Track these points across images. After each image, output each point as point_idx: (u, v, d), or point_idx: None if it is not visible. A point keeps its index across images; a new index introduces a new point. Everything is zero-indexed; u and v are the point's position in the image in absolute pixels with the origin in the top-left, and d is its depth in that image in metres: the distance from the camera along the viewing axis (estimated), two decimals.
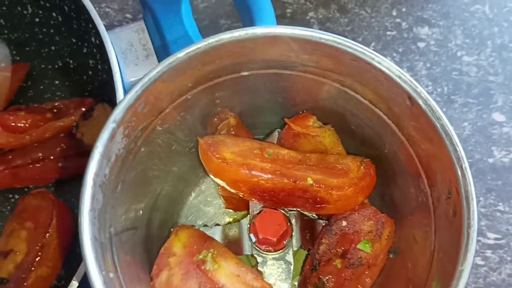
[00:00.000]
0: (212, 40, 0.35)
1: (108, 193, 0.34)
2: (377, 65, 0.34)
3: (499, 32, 0.60)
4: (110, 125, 0.33)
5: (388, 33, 0.60)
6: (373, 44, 0.60)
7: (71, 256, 0.51)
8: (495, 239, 0.53)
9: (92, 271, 0.31)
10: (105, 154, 0.33)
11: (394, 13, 0.61)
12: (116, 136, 0.34)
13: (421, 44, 0.60)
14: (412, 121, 0.35)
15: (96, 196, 0.32)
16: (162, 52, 0.46)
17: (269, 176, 0.40)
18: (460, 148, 0.32)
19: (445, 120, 0.33)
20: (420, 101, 0.33)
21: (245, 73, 0.39)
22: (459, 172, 0.32)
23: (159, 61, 0.45)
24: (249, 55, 0.37)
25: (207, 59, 0.36)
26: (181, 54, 0.34)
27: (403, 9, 0.61)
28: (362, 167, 0.40)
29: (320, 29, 0.60)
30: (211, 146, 0.40)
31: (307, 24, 0.61)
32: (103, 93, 0.54)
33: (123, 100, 0.33)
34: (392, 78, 0.34)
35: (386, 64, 0.34)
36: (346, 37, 0.59)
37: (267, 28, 0.35)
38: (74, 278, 0.38)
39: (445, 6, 0.61)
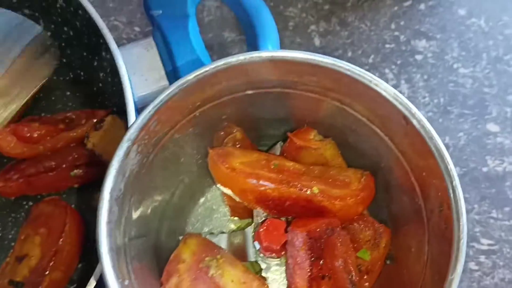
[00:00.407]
0: (220, 63, 0.37)
1: (123, 205, 0.37)
2: (374, 87, 0.36)
3: (494, 45, 0.62)
4: (125, 144, 0.35)
5: (387, 45, 0.62)
6: (372, 56, 0.62)
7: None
8: (489, 245, 0.56)
9: (110, 280, 0.33)
10: (120, 170, 0.35)
11: (393, 26, 0.63)
12: (130, 153, 0.36)
13: (418, 57, 0.62)
14: (406, 139, 0.38)
15: (112, 209, 0.35)
16: (172, 74, 0.49)
17: (276, 185, 0.42)
18: (451, 166, 0.35)
19: (438, 139, 0.35)
20: (414, 121, 0.36)
21: (250, 92, 0.41)
22: (450, 189, 0.34)
23: (170, 82, 0.47)
24: (254, 76, 0.40)
25: (215, 81, 0.38)
26: (191, 77, 0.37)
27: (401, 23, 0.63)
28: (362, 179, 0.42)
29: (321, 41, 0.63)
30: (221, 157, 0.42)
31: (308, 37, 0.63)
32: (113, 105, 0.56)
33: (137, 120, 0.36)
34: (388, 99, 0.36)
35: (383, 86, 0.36)
36: (346, 49, 0.62)
37: (271, 52, 0.37)
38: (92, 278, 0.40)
39: (442, 19, 0.63)
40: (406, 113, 0.36)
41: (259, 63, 0.37)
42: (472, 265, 0.55)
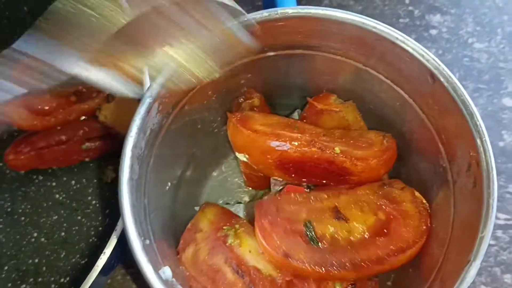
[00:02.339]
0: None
1: (143, 165, 0.36)
2: (402, 44, 0.36)
3: (509, 20, 0.61)
4: (147, 100, 0.35)
5: (401, 20, 0.62)
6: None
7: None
8: (505, 219, 0.55)
9: (132, 236, 0.32)
10: (142, 127, 0.35)
11: (407, 1, 0.62)
12: (151, 111, 0.35)
13: (433, 32, 0.61)
14: (433, 99, 0.37)
15: (133, 166, 0.34)
16: None
17: (297, 145, 0.41)
18: (480, 122, 0.34)
19: (467, 96, 0.34)
20: (442, 79, 0.35)
21: (271, 54, 0.41)
22: (480, 145, 0.34)
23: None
24: (276, 36, 0.39)
25: None
26: None
27: None
28: (385, 141, 0.41)
29: None
30: (241, 120, 0.41)
31: None
32: None
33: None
34: (415, 56, 0.36)
35: (410, 44, 0.36)
36: None
37: (296, 8, 0.36)
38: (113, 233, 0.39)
39: None
40: (434, 70, 0.35)
41: (282, 20, 0.37)
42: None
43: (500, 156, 0.57)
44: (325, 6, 0.62)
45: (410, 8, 0.62)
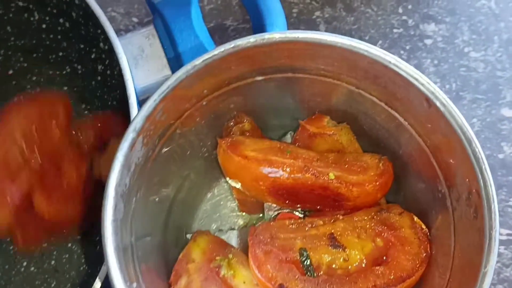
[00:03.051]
0: (229, 46, 0.35)
1: (129, 201, 0.35)
2: (395, 68, 0.34)
3: (506, 28, 0.60)
4: (130, 135, 0.33)
5: (395, 30, 0.60)
6: (380, 42, 0.60)
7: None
8: (507, 234, 0.54)
9: (117, 282, 0.31)
10: (125, 164, 0.33)
11: (400, 10, 0.61)
12: (135, 146, 0.34)
13: (428, 41, 0.60)
14: (429, 123, 0.35)
15: (118, 206, 0.33)
16: (175, 62, 0.46)
17: (290, 171, 0.40)
18: (479, 149, 0.32)
19: (464, 121, 0.33)
20: (437, 103, 0.34)
21: (260, 78, 0.39)
22: (479, 174, 0.32)
23: (172, 71, 0.45)
24: (264, 60, 0.37)
25: (224, 66, 0.36)
26: (198, 62, 0.34)
27: (409, 6, 0.61)
28: (380, 164, 0.40)
29: (326, 28, 0.60)
30: (231, 146, 0.40)
31: (313, 24, 0.60)
32: (112, 99, 0.54)
33: (142, 109, 0.33)
34: (409, 81, 0.34)
35: (404, 67, 0.34)
36: (353, 36, 0.60)
37: (284, 33, 0.35)
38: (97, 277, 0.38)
39: (451, 2, 0.61)
40: (429, 94, 0.34)
41: (270, 46, 0.35)
42: None
43: (501, 169, 0.55)
44: (317, 18, 0.60)
45: (404, 17, 0.60)
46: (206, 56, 0.34)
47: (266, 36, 0.34)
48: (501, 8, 0.60)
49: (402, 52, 0.59)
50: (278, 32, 0.34)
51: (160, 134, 0.37)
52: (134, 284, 0.32)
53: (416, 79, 0.34)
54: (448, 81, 0.58)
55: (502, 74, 0.58)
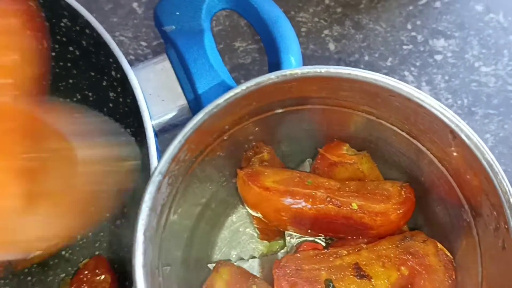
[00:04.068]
0: (250, 84, 0.35)
1: (156, 243, 0.34)
2: (418, 101, 0.34)
3: None
4: (156, 178, 0.33)
5: (404, 47, 0.60)
6: (390, 59, 0.60)
7: None
8: None
9: None
10: (153, 207, 0.33)
11: (409, 26, 0.61)
12: (162, 187, 0.34)
13: (438, 57, 0.60)
14: (454, 154, 0.35)
15: (147, 250, 0.32)
16: (189, 91, 0.46)
17: (313, 202, 0.40)
18: (506, 182, 0.32)
19: (490, 154, 0.33)
20: (463, 136, 0.34)
21: (279, 111, 0.39)
22: (507, 207, 0.32)
23: (192, 111, 0.45)
24: (284, 94, 0.37)
25: (245, 103, 0.36)
26: (220, 101, 0.34)
27: (418, 22, 0.61)
28: (402, 191, 0.40)
29: (336, 46, 0.60)
30: (252, 177, 0.40)
31: (322, 42, 0.60)
32: (126, 126, 0.53)
33: (167, 151, 0.33)
34: (433, 113, 0.34)
35: (427, 100, 0.34)
36: (362, 53, 0.60)
37: (304, 69, 0.35)
38: None
39: (459, 16, 0.61)
40: (453, 127, 0.34)
41: (291, 81, 0.35)
42: None
43: None
44: (326, 36, 0.60)
45: (413, 33, 0.60)
46: (228, 95, 0.34)
47: (288, 73, 0.34)
48: (509, 21, 0.60)
49: (412, 68, 0.59)
50: (299, 69, 0.34)
51: (184, 172, 0.37)
52: None
53: (440, 112, 0.34)
54: (460, 97, 0.58)
55: None
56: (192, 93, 0.46)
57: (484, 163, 0.33)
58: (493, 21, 0.61)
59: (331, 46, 0.60)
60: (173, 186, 0.36)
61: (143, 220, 0.32)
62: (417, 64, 0.60)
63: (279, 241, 0.47)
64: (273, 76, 0.35)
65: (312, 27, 0.61)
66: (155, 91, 0.48)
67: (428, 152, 0.38)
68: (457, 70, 0.59)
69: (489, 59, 0.59)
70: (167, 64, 0.48)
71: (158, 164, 0.33)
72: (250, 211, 0.43)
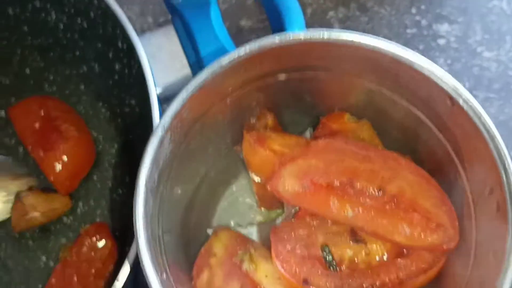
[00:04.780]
0: (254, 46, 0.35)
1: (156, 197, 0.35)
2: (417, 67, 0.35)
3: None
4: (159, 132, 0.34)
5: (408, 30, 0.61)
6: (393, 42, 0.60)
7: None
8: None
9: (150, 273, 0.32)
10: (155, 160, 0.34)
11: (413, 10, 0.61)
12: (164, 142, 0.34)
13: (441, 41, 0.60)
14: (452, 121, 0.36)
15: (148, 201, 0.33)
16: (195, 61, 0.47)
17: None
18: (502, 146, 0.33)
19: (488, 119, 0.34)
20: (461, 101, 0.34)
21: (282, 76, 0.40)
22: (503, 172, 0.33)
23: (192, 71, 0.45)
24: (287, 59, 0.38)
25: (249, 65, 0.37)
26: (225, 61, 0.35)
27: (422, 7, 0.62)
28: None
29: (340, 28, 0.61)
30: (259, 139, 0.41)
31: (327, 23, 0.61)
32: (130, 97, 0.54)
33: (171, 107, 0.34)
34: (433, 79, 0.35)
35: (427, 65, 0.35)
36: None
37: (309, 33, 0.35)
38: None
39: (463, 2, 0.61)
40: (452, 93, 0.34)
41: (294, 45, 0.36)
42: None
43: None
44: (331, 17, 0.61)
45: (417, 17, 0.61)
46: (232, 56, 0.35)
47: (292, 36, 0.35)
48: None
49: (415, 52, 0.60)
50: (303, 32, 0.35)
51: (186, 131, 0.37)
52: (164, 275, 0.33)
53: (439, 78, 0.35)
54: (461, 80, 0.59)
55: None
56: (197, 64, 0.47)
57: (481, 127, 0.34)
58: (496, 7, 0.61)
59: (336, 28, 0.61)
60: (175, 144, 0.37)
61: (145, 171, 0.33)
62: (420, 47, 0.60)
63: (278, 210, 0.48)
64: (276, 39, 0.35)
65: (317, 8, 0.62)
66: (161, 60, 0.49)
67: (427, 120, 0.39)
68: (460, 54, 0.60)
69: (491, 45, 0.60)
70: (173, 34, 0.49)
71: (161, 119, 0.34)
72: (253, 175, 0.44)
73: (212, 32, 0.47)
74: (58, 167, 0.52)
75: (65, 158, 0.52)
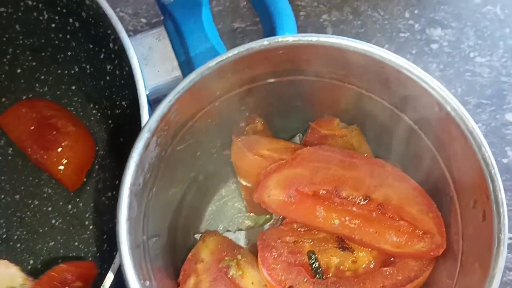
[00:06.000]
0: (243, 49, 0.35)
1: (141, 201, 0.35)
2: (406, 72, 0.35)
3: (511, 33, 0.60)
4: (145, 135, 0.33)
5: (401, 35, 0.61)
6: (386, 46, 0.60)
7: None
8: (510, 238, 0.54)
9: (131, 281, 0.31)
10: (140, 163, 0.33)
11: (407, 15, 0.61)
12: (150, 145, 0.34)
13: (434, 46, 0.60)
14: (440, 127, 0.36)
15: (132, 205, 0.33)
16: (185, 64, 0.47)
17: None
18: (489, 154, 0.33)
19: (475, 126, 0.33)
20: (449, 108, 0.34)
21: (271, 81, 0.40)
22: (489, 178, 0.33)
23: (183, 73, 0.45)
24: (276, 63, 0.38)
25: (237, 68, 0.36)
26: (212, 63, 0.35)
27: (416, 11, 0.61)
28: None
29: (333, 31, 0.61)
30: (247, 144, 0.40)
31: (320, 27, 0.61)
32: (121, 99, 0.54)
33: (157, 109, 0.34)
34: (421, 85, 0.35)
35: (416, 72, 0.34)
36: (359, 39, 0.60)
37: (297, 36, 0.35)
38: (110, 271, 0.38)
39: (457, 7, 0.61)
40: (441, 99, 0.34)
41: (283, 49, 0.35)
42: None
43: (505, 174, 0.56)
44: (324, 21, 0.61)
45: (410, 22, 0.61)
46: (220, 58, 0.35)
47: (280, 39, 0.35)
48: (506, 14, 0.61)
49: (408, 56, 0.60)
50: (291, 35, 0.35)
51: (173, 134, 0.37)
52: (147, 283, 0.33)
53: (428, 84, 0.34)
54: (454, 86, 0.59)
55: (506, 79, 0.59)
56: (187, 64, 0.47)
57: (468, 135, 0.33)
58: (490, 13, 0.61)
59: (329, 31, 0.61)
60: (162, 148, 0.36)
61: (130, 175, 0.33)
62: (413, 52, 0.60)
63: (266, 216, 0.47)
64: (265, 42, 0.35)
65: (311, 11, 0.62)
66: (151, 62, 0.49)
67: (416, 127, 0.38)
68: (452, 59, 0.60)
69: (484, 50, 0.60)
70: (164, 36, 0.49)
71: (147, 121, 0.33)
72: (241, 180, 0.43)
73: (202, 33, 0.47)
74: (63, 164, 0.52)
75: (68, 153, 0.52)
